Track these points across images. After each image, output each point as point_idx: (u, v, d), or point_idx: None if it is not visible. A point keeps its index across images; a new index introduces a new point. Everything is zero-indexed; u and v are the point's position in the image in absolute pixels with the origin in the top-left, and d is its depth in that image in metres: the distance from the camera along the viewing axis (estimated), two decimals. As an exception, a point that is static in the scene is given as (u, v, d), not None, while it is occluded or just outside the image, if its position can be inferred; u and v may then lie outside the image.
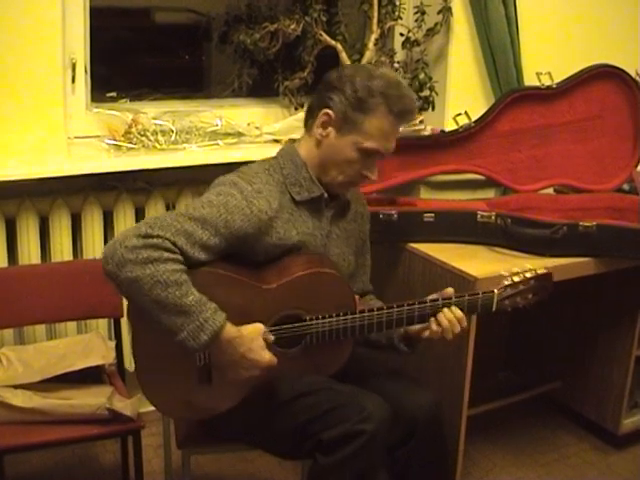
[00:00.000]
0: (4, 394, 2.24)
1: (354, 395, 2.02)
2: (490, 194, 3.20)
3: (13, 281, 2.51)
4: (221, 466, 2.89)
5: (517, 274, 2.19)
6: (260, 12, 3.15)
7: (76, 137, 2.89)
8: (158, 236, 1.89)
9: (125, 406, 2.27)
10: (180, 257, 1.91)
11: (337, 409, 1.97)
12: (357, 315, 2.08)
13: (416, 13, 3.27)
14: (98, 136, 2.90)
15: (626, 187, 3.08)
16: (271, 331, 2.04)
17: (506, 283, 2.17)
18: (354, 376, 2.22)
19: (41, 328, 2.79)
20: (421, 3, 3.26)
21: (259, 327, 1.98)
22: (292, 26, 3.05)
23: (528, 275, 2.19)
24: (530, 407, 3.33)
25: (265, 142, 3.09)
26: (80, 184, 2.77)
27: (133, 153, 2.84)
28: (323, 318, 2.07)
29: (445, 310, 2.11)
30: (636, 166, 3.06)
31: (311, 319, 2.07)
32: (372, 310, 2.09)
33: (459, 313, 2.11)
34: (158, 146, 2.89)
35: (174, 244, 1.90)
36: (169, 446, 2.47)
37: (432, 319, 2.11)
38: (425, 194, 3.13)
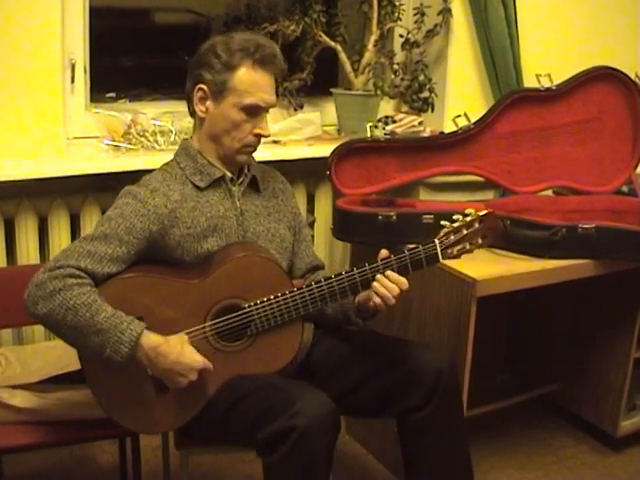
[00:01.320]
0: (2, 394, 2.24)
1: (287, 392, 2.00)
2: (489, 196, 3.19)
3: (12, 281, 2.50)
4: (219, 467, 2.89)
5: (457, 220, 2.14)
6: (259, 13, 3.16)
7: (75, 137, 2.90)
8: (61, 266, 1.94)
9: (123, 407, 2.26)
10: (86, 280, 1.96)
11: (269, 409, 1.96)
12: (297, 292, 2.09)
13: (416, 14, 3.27)
14: (97, 136, 2.90)
15: (625, 189, 3.08)
16: (212, 325, 2.05)
17: (447, 230, 2.13)
18: (360, 358, 2.26)
19: (39, 328, 2.79)
20: (421, 4, 3.26)
21: (183, 335, 2.01)
22: (291, 27, 3.05)
23: (469, 219, 2.14)
24: (528, 409, 3.33)
25: (264, 143, 3.08)
26: (79, 184, 2.77)
27: (132, 153, 2.85)
28: (262, 302, 2.07)
29: (378, 276, 2.08)
30: (635, 168, 3.05)
31: (250, 306, 2.07)
32: (310, 285, 2.09)
33: (394, 276, 2.09)
34: (157, 146, 2.90)
35: (78, 268, 1.95)
36: (167, 447, 2.47)
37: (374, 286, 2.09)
38: (424, 195, 3.12)
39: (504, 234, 2.62)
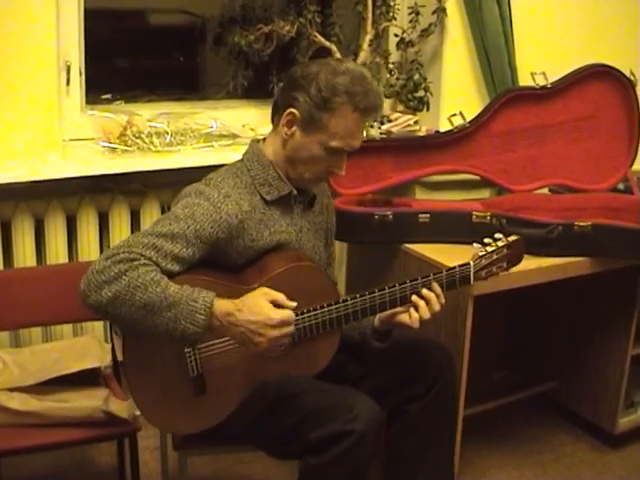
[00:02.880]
0: (0, 397, 2.24)
1: (342, 396, 2.02)
2: (485, 194, 3.20)
3: (8, 284, 2.50)
4: (217, 468, 2.89)
5: (489, 244, 2.20)
6: (254, 13, 3.15)
7: (71, 139, 2.89)
8: (125, 252, 1.91)
9: (121, 408, 2.26)
10: (151, 262, 1.93)
11: (325, 410, 1.97)
12: (341, 304, 2.09)
13: (410, 14, 3.27)
14: (93, 138, 2.89)
15: (621, 187, 3.08)
16: None
17: (480, 254, 2.18)
18: (366, 354, 2.29)
19: (37, 331, 2.79)
20: (415, 4, 3.26)
21: (262, 289, 1.99)
22: (286, 27, 3.05)
23: (500, 244, 2.21)
24: (526, 407, 3.33)
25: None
26: (75, 186, 2.77)
27: (128, 155, 2.84)
28: (309, 312, 2.07)
29: (423, 291, 2.11)
30: (631, 166, 3.06)
31: (297, 314, 2.06)
32: (355, 297, 2.10)
33: (437, 289, 2.12)
34: (153, 148, 2.88)
35: (143, 256, 1.92)
36: (166, 448, 2.46)
37: (410, 304, 2.12)
38: (420, 194, 3.13)
39: (500, 232, 2.62)
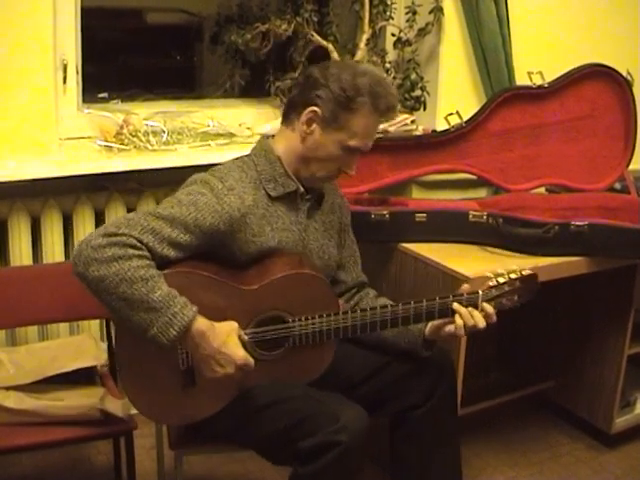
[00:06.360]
0: (-4, 396, 2.24)
1: (330, 404, 2.00)
2: (482, 194, 3.20)
3: (4, 282, 2.50)
4: (212, 467, 2.89)
5: (502, 275, 2.17)
6: (251, 12, 3.15)
7: (68, 138, 2.88)
8: (123, 234, 1.89)
9: (117, 407, 2.26)
10: (146, 253, 1.91)
11: (312, 417, 1.97)
12: (340, 316, 2.08)
13: (407, 13, 3.27)
14: (90, 137, 2.89)
15: (618, 186, 3.08)
16: (252, 333, 2.03)
17: (490, 284, 2.15)
18: (363, 356, 2.29)
19: (33, 329, 2.79)
20: (412, 3, 3.26)
21: (233, 324, 1.97)
22: (283, 26, 3.05)
23: (513, 276, 2.18)
24: (523, 406, 3.34)
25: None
26: (72, 185, 2.77)
27: (124, 154, 2.84)
28: (306, 320, 2.06)
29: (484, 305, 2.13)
30: (627, 165, 3.06)
31: (293, 321, 2.06)
32: (356, 311, 2.10)
33: (489, 309, 2.13)
34: (150, 147, 2.88)
35: (140, 241, 1.90)
36: (162, 447, 2.46)
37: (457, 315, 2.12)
38: (417, 194, 3.13)
39: (497, 232, 2.63)
